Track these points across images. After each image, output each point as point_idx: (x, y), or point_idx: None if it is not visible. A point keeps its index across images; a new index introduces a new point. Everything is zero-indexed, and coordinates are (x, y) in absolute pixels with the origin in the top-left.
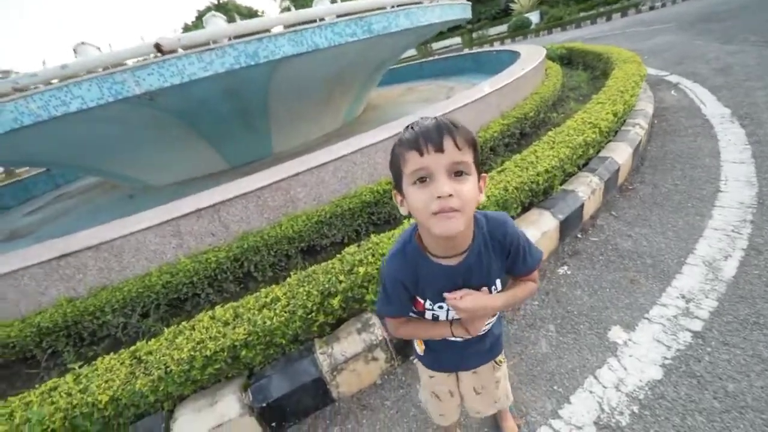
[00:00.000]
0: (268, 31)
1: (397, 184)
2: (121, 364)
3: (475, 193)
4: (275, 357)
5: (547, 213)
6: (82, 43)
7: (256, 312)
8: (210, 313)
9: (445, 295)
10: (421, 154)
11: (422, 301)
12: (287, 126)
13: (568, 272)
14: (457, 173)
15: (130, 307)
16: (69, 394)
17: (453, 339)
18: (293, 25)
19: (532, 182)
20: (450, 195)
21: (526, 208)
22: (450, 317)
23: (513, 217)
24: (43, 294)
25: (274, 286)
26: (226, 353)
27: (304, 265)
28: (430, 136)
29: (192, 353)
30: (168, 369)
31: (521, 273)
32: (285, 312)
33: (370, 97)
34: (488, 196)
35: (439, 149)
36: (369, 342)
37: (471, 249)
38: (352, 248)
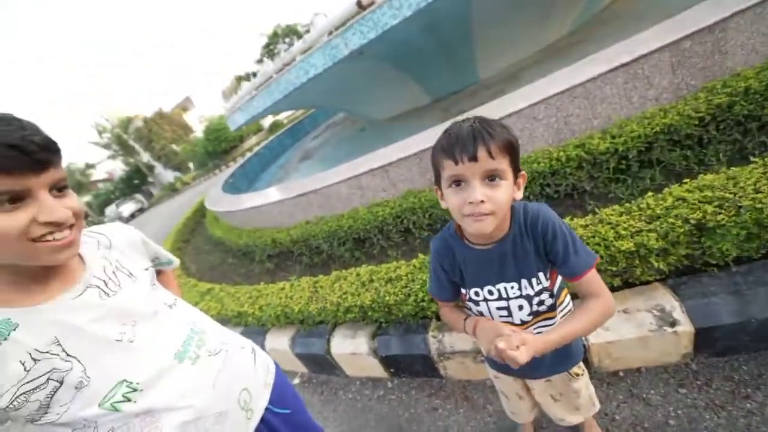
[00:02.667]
0: None
1: (437, 180)
2: (308, 287)
3: (509, 195)
4: (398, 321)
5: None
6: (316, 14)
7: (383, 283)
8: (357, 270)
9: (500, 345)
10: (456, 163)
11: (464, 291)
12: (494, 50)
13: None
14: (491, 178)
15: (331, 238)
16: (284, 296)
17: None
18: None
19: None
20: (482, 201)
21: None
22: (493, 313)
23: None
24: (294, 216)
25: (402, 262)
26: (357, 309)
27: None
28: (465, 146)
29: (339, 300)
30: (325, 305)
31: (571, 274)
32: (402, 293)
33: None
34: (740, 207)
35: (473, 158)
36: (479, 347)
37: (506, 237)
38: None
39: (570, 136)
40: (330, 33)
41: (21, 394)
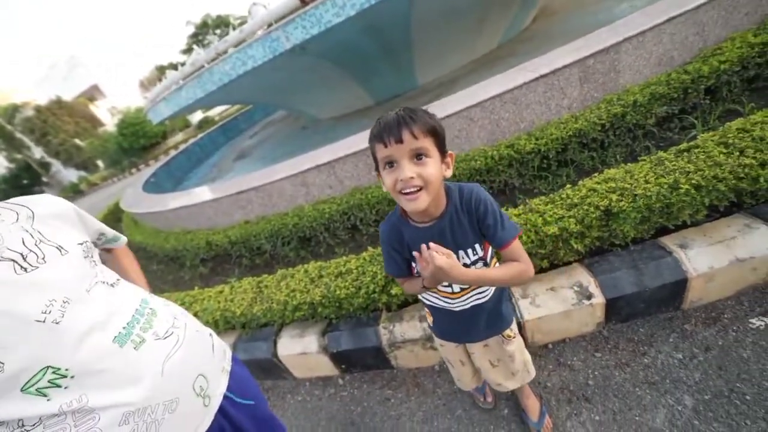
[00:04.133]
0: None
1: (377, 167)
2: (251, 288)
3: (437, 171)
4: (349, 315)
5: (762, 227)
6: (254, 3)
7: (333, 278)
8: (305, 266)
9: (427, 246)
10: (386, 146)
11: (413, 265)
12: (432, 56)
13: (763, 328)
14: (418, 156)
15: (275, 237)
16: (224, 300)
17: (450, 309)
18: None
19: (741, 177)
20: (411, 177)
21: (722, 210)
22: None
23: (688, 223)
24: (232, 215)
25: (351, 256)
26: (307, 307)
27: None
28: (392, 130)
29: (286, 298)
30: (271, 305)
31: (498, 244)
32: (353, 286)
33: None
34: (635, 195)
35: (399, 140)
36: (429, 332)
37: (443, 214)
38: None
39: (501, 137)
40: (269, 25)
41: None
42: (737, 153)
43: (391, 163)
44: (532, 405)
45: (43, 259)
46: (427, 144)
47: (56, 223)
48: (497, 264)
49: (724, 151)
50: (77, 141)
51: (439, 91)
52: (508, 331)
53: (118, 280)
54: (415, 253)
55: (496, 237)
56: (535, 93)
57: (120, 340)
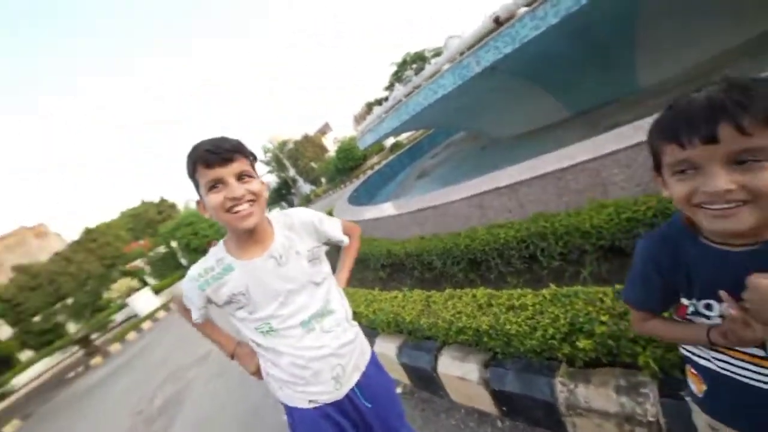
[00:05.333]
0: None
1: (657, 166)
2: (421, 300)
3: None
4: (518, 356)
5: None
6: (450, 36)
7: (504, 310)
8: (474, 291)
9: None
10: (683, 147)
11: (685, 303)
12: (662, 51)
13: None
14: (741, 161)
15: (445, 255)
16: (396, 305)
17: (748, 384)
18: None
19: None
20: (729, 190)
21: None
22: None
23: None
24: (409, 229)
25: (527, 290)
26: (472, 332)
27: (599, 267)
28: (698, 122)
29: (452, 318)
30: (437, 321)
31: None
32: (526, 324)
33: None
34: None
35: (711, 139)
36: (630, 411)
37: None
38: None
39: None
40: (462, 54)
41: (226, 301)
42: None
43: (688, 169)
44: None
45: (287, 259)
46: (764, 140)
47: (302, 231)
48: None
49: None
50: (312, 164)
51: (672, 95)
52: None
53: (323, 279)
54: (722, 293)
55: None
56: None
57: (304, 324)
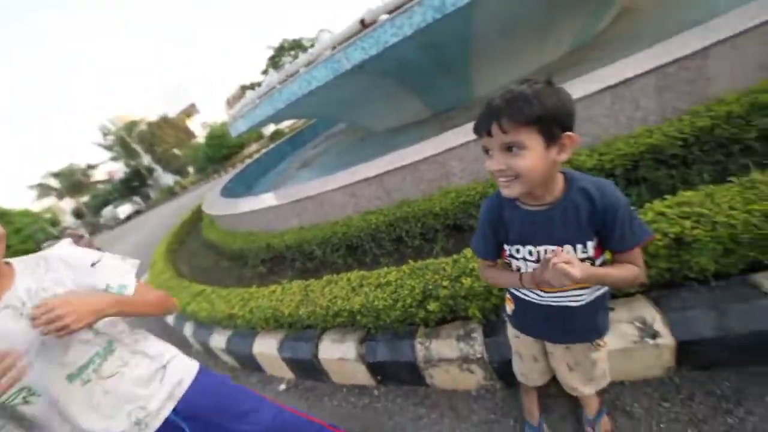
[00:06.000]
0: None
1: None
2: (299, 291)
3: (537, 162)
4: (387, 327)
5: None
6: (321, 30)
7: (373, 288)
8: (348, 275)
9: (550, 253)
10: (479, 135)
11: (506, 248)
12: (491, 68)
13: None
14: (509, 148)
15: (325, 244)
16: (275, 300)
17: (538, 303)
18: None
19: None
20: (501, 169)
21: None
22: (526, 268)
23: None
24: (289, 221)
25: (392, 268)
26: (347, 314)
27: (447, 242)
28: (482, 122)
29: (329, 303)
30: (315, 309)
31: (619, 248)
32: (390, 298)
33: None
34: (715, 223)
35: (488, 133)
36: (466, 353)
37: (557, 203)
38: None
39: None
40: (333, 48)
41: None
42: None
43: (487, 152)
44: (592, 401)
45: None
46: (522, 136)
47: (61, 272)
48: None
49: None
50: (175, 150)
51: None
52: (599, 341)
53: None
54: (552, 258)
55: (622, 241)
56: (601, 105)
57: (71, 378)
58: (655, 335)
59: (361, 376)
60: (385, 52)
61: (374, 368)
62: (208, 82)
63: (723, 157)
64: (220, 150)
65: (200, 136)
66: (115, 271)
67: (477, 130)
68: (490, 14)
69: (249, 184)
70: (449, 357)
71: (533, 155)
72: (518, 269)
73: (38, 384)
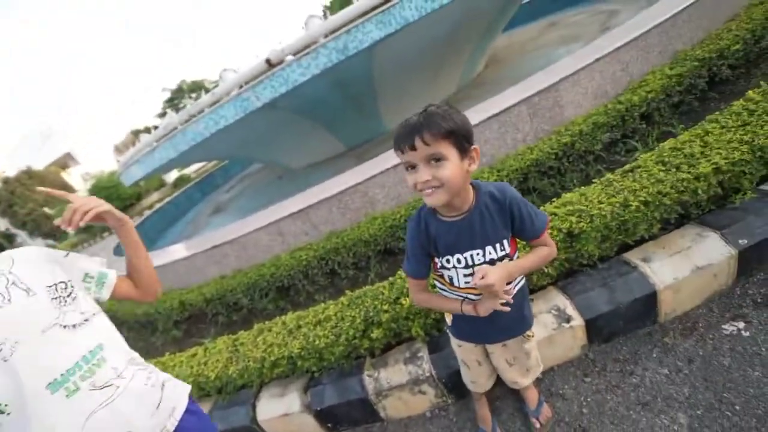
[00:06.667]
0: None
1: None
2: (226, 348)
3: (456, 171)
4: (331, 367)
5: (712, 235)
6: (224, 69)
7: (312, 327)
8: (283, 318)
9: (474, 281)
10: (402, 152)
11: (436, 260)
12: (396, 103)
13: (744, 333)
14: (434, 159)
15: (252, 290)
16: (197, 364)
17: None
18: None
19: (681, 190)
20: (428, 180)
21: (673, 223)
22: (460, 279)
23: (646, 238)
24: (206, 272)
25: (330, 303)
26: (285, 361)
27: (381, 267)
28: (405, 138)
29: (264, 354)
30: (247, 364)
31: (531, 236)
32: (332, 334)
33: (496, 46)
34: (592, 216)
35: (413, 148)
36: (415, 375)
37: (472, 210)
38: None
39: None
40: (240, 87)
41: None
42: (674, 169)
43: (412, 166)
44: (531, 394)
45: (8, 299)
46: (442, 148)
47: (29, 266)
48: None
49: (663, 168)
50: (46, 209)
51: None
52: (528, 332)
53: (85, 321)
54: (474, 281)
55: (532, 229)
56: (491, 130)
57: (53, 386)
58: (569, 319)
59: (310, 428)
60: (296, 90)
61: (323, 416)
62: (88, 129)
63: (584, 166)
64: (111, 203)
65: (82, 189)
66: (90, 261)
67: (399, 145)
68: (388, 56)
69: (152, 238)
70: (399, 383)
71: (452, 165)
72: (450, 279)
73: (7, 397)
